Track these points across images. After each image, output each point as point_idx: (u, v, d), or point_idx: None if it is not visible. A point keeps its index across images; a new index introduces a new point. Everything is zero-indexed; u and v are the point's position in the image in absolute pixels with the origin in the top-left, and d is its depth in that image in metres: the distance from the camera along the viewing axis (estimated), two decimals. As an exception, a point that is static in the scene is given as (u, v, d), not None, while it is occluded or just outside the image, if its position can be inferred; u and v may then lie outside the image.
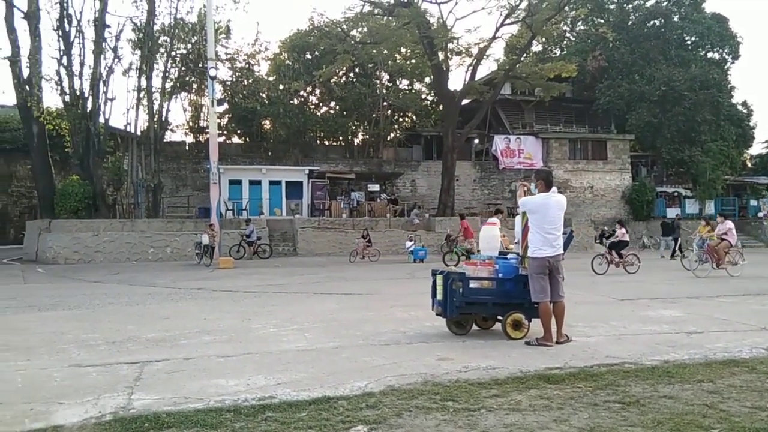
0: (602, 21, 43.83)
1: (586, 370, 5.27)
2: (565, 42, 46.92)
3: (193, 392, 4.64)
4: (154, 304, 10.61)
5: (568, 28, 45.71)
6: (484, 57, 33.18)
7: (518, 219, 6.89)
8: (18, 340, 7.07)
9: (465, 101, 35.92)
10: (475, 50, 32.92)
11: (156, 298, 11.62)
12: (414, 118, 41.10)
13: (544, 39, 40.75)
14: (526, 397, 4.49)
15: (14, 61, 25.95)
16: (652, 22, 42.79)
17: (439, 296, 6.79)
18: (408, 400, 4.40)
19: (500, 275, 6.75)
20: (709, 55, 44.21)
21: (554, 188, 6.55)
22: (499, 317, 6.86)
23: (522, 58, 33.96)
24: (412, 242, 22.93)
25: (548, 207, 6.38)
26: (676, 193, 40.26)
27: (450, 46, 33.09)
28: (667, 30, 42.18)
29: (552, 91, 34.83)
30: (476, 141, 41.22)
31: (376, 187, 33.75)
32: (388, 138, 40.17)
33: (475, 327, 7.15)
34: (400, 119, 41.71)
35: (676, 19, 42.94)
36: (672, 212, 38.34)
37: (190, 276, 16.75)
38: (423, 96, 41.90)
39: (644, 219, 37.23)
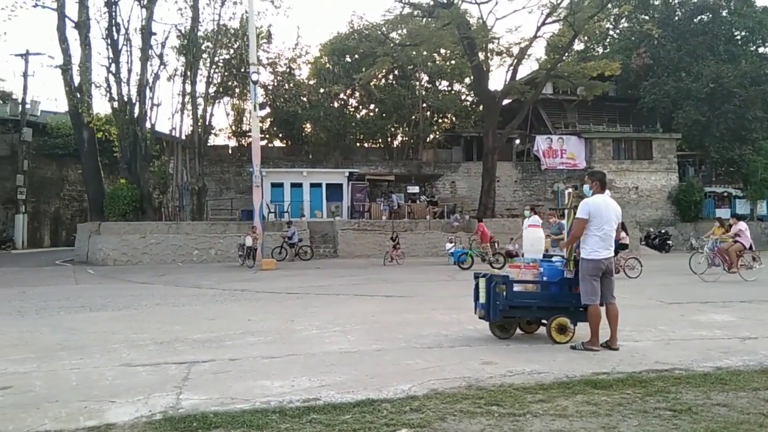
0: (647, 17, 42.81)
1: (635, 376, 5.14)
2: (608, 40, 46.01)
3: (240, 393, 4.71)
4: (199, 305, 10.81)
5: (611, 26, 44.78)
6: (525, 57, 32.86)
7: (563, 222, 6.78)
8: (72, 340, 7.31)
9: (506, 101, 35.57)
10: (515, 50, 32.62)
11: (201, 299, 11.85)
12: (454, 119, 40.90)
13: (586, 37, 40.02)
14: (572, 403, 4.41)
15: (66, 69, 26.87)
16: (699, 18, 41.60)
17: (482, 299, 6.72)
18: (452, 404, 4.37)
19: (545, 278, 6.65)
20: (761, 50, 42.74)
21: (607, 191, 6.45)
22: (544, 321, 6.76)
23: (564, 57, 33.44)
24: (453, 244, 22.73)
25: (607, 209, 6.27)
26: (725, 194, 38.97)
27: (490, 46, 32.86)
28: (715, 25, 40.92)
29: (595, 90, 34.20)
30: (517, 141, 40.77)
31: (415, 189, 33.69)
32: (428, 139, 40.09)
33: (518, 331, 7.06)
34: (440, 120, 41.58)
35: (724, 13, 41.62)
36: (721, 213, 37.15)
37: (234, 277, 17.03)
38: (463, 97, 41.66)
39: (692, 220, 36.17)
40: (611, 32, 45.74)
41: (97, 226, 25.10)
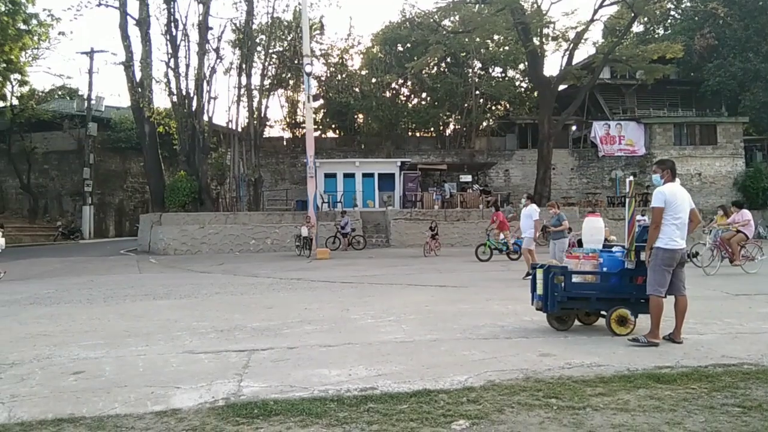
0: (711, -4, 40.89)
1: (700, 371, 4.96)
2: (669, 21, 44.24)
3: (298, 381, 4.80)
4: (257, 294, 11.06)
5: (672, 6, 43.04)
6: (582, 41, 32.00)
7: (625, 210, 6.58)
8: (138, 327, 7.61)
9: (561, 87, 34.74)
10: (571, 34, 31.80)
11: (258, 288, 12.11)
12: (507, 106, 40.26)
13: (646, 18, 38.55)
14: (634, 397, 4.29)
15: (128, 65, 27.83)
16: (769, -6, 39.44)
17: (540, 290, 6.61)
18: (509, 396, 4.33)
19: (605, 269, 6.48)
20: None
21: (677, 179, 6.23)
22: (603, 312, 6.60)
23: (622, 40, 32.36)
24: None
25: (682, 196, 6.06)
26: (796, 179, 37.02)
27: (545, 31, 32.15)
28: (786, 1, 38.75)
29: (655, 74, 33.01)
30: (574, 128, 39.82)
31: (468, 178, 33.41)
32: (481, 127, 39.63)
33: (577, 322, 6.91)
34: (493, 108, 40.98)
35: (796, -11, 39.33)
36: (793, 200, 35.40)
37: (289, 266, 17.32)
38: (517, 83, 40.93)
39: (760, 207, 34.52)
40: (673, 12, 43.94)
41: (159, 217, 25.97)
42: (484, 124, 39.88)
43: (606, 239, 11.42)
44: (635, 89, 38.19)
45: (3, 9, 28.48)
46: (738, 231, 13.48)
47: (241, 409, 4.12)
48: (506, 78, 40.80)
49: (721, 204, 20.00)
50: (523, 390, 4.46)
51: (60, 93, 45.95)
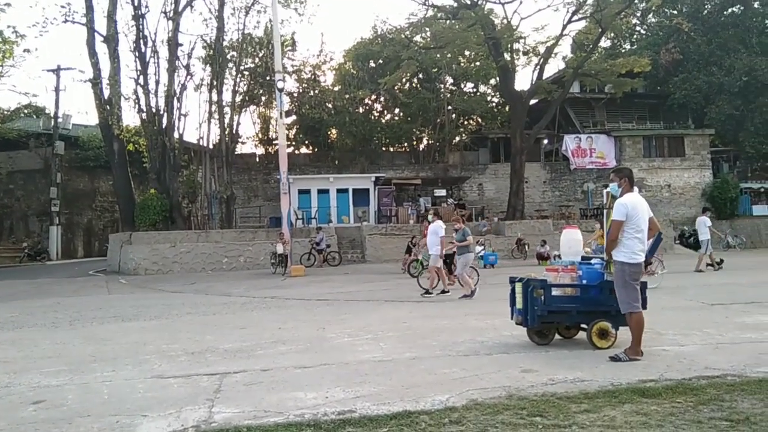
0: (675, 12, 41.97)
1: (685, 383, 4.88)
2: (635, 36, 45.26)
3: (272, 405, 4.58)
4: (230, 314, 10.77)
5: (638, 22, 44.05)
6: (552, 55, 32.42)
7: (598, 225, 6.52)
8: (104, 351, 7.29)
9: (533, 101, 35.13)
10: (542, 49, 32.25)
11: (231, 307, 11.82)
12: (480, 120, 40.58)
13: (613, 34, 39.40)
14: (620, 413, 4.18)
15: (96, 83, 27.34)
16: (730, 10, 40.69)
17: (519, 305, 6.51)
18: (493, 415, 4.18)
19: (584, 281, 6.40)
20: (796, 41, 41.47)
21: (636, 187, 6.17)
22: (584, 326, 6.51)
23: (591, 55, 32.92)
24: (482, 247, 22.49)
25: (642, 207, 5.99)
26: (762, 189, 37.90)
27: (516, 46, 32.56)
28: (746, 17, 39.97)
29: (623, 88, 33.60)
30: (545, 141, 40.24)
31: (442, 192, 33.48)
32: (454, 142, 39.85)
33: (557, 336, 6.82)
34: (466, 122, 41.28)
35: (756, 5, 40.62)
36: (759, 209, 36.16)
37: (263, 285, 17.02)
38: (489, 98, 41.32)
39: (728, 217, 35.22)
40: (639, 28, 44.98)
41: (129, 236, 25.42)
42: (457, 138, 40.09)
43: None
44: (605, 103, 38.83)
45: (-35, 26, 27.88)
46: None
47: (212, 437, 3.90)
48: (478, 93, 41.18)
49: (596, 214, 19.74)
50: (507, 408, 4.32)
51: (26, 111, 44.98)
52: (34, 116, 43.82)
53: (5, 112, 42.58)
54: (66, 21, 27.43)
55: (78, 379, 5.78)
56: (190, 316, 10.75)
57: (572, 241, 6.94)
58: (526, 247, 25.56)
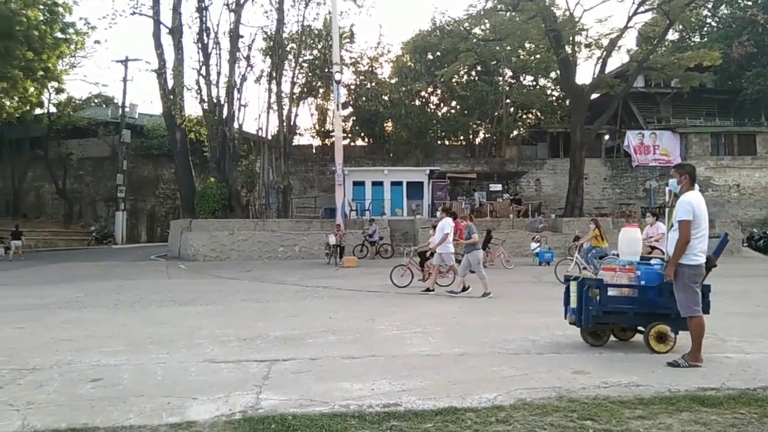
0: (750, 3, 39.88)
1: (749, 394, 4.61)
2: (705, 28, 43.29)
3: (319, 394, 4.60)
4: (282, 302, 10.93)
5: (709, 13, 42.07)
6: (615, 48, 31.37)
7: (660, 223, 6.24)
8: (161, 333, 7.51)
9: (594, 95, 34.16)
10: (605, 41, 31.24)
11: (285, 295, 11.99)
12: (539, 114, 39.82)
13: (681, 26, 37.71)
14: (677, 421, 3.99)
15: (160, 73, 28.21)
16: (811, 1, 38.30)
17: (573, 304, 6.31)
18: (541, 417, 4.07)
19: (642, 282, 6.15)
20: None
21: (696, 185, 5.85)
22: (641, 328, 6.27)
23: (657, 48, 31.68)
24: (538, 244, 22.05)
25: (704, 206, 5.68)
26: (842, 191, 35.75)
27: (578, 38, 31.66)
28: (829, 8, 37.53)
29: (691, 82, 32.18)
30: (607, 137, 39.12)
31: (498, 187, 32.99)
32: (511, 136, 39.25)
33: (612, 338, 6.59)
34: (524, 116, 40.59)
35: (840, -5, 38.13)
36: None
37: (317, 274, 17.20)
38: (548, 92, 40.49)
39: (802, 220, 33.38)
40: (709, 20, 42.97)
41: (189, 223, 26.16)
42: (515, 132, 39.48)
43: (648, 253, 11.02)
44: (670, 98, 37.37)
45: (41, 18, 29.17)
46: (653, 247, 11.16)
47: (258, 423, 3.94)
48: (538, 86, 40.38)
49: (594, 218, 18.64)
50: (556, 410, 4.20)
51: (96, 101, 46.90)
52: (104, 105, 45.69)
53: (77, 101, 44.48)
54: (134, 13, 28.42)
55: (135, 359, 5.97)
56: (245, 302, 10.97)
57: (631, 240, 6.67)
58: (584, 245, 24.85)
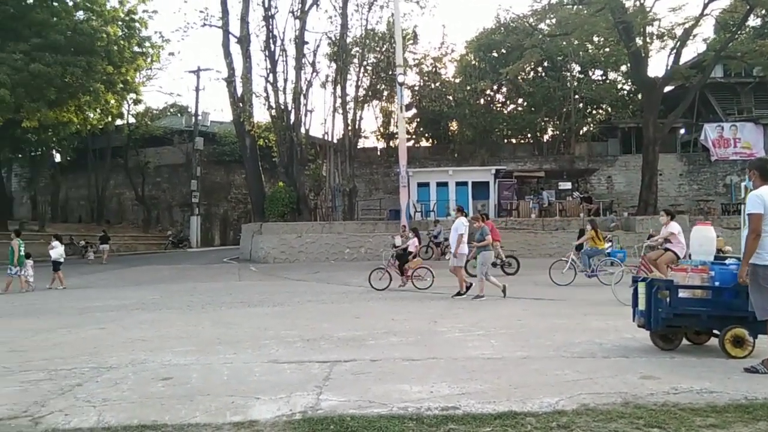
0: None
1: (836, 403, 4.30)
2: (791, 12, 40.56)
3: (378, 396, 4.63)
4: (347, 303, 11.07)
5: (795, -5, 39.41)
6: (690, 38, 29.90)
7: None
8: (229, 334, 7.77)
9: (668, 88, 32.68)
10: (679, 31, 29.85)
11: (349, 296, 12.13)
12: (609, 109, 38.55)
13: (764, 11, 35.57)
14: (753, 431, 3.77)
15: (230, 81, 29.11)
16: None
17: (642, 306, 6.07)
18: (605, 423, 3.93)
19: (717, 283, 5.85)
20: None
21: None
22: (716, 331, 5.95)
23: (736, 35, 29.99)
24: (609, 243, 21.29)
25: None
26: None
27: (649, 29, 30.42)
28: None
29: (775, 70, 30.32)
30: (682, 131, 37.40)
31: (567, 185, 32.11)
32: (581, 132, 38.21)
33: (685, 341, 6.29)
34: (594, 112, 39.40)
35: None
36: None
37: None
38: (619, 86, 39.14)
39: None
40: (796, 3, 40.26)
41: (259, 227, 26.88)
42: (584, 129, 38.40)
43: (720, 250, 10.46)
44: (752, 87, 35.29)
45: (120, 33, 30.76)
46: (666, 249, 10.37)
47: (317, 424, 4.00)
48: (607, 80, 39.12)
49: (591, 219, 17.61)
50: (622, 416, 4.05)
51: (171, 110, 49.00)
52: (178, 114, 47.65)
53: (154, 112, 46.64)
54: (204, 25, 29.46)
55: (203, 359, 6.20)
56: (311, 303, 11.18)
57: (704, 239, 6.35)
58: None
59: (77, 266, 25.21)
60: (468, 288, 11.39)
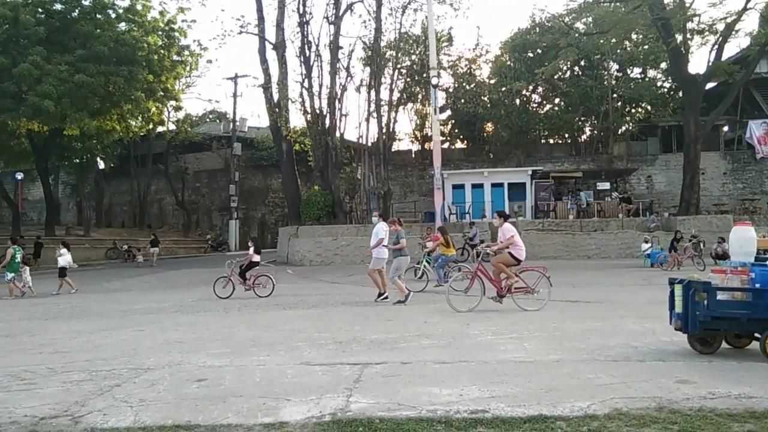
0: None
1: None
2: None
3: (407, 399, 4.63)
4: (380, 306, 11.08)
5: None
6: (733, 33, 29.01)
7: None
8: (263, 336, 7.88)
9: (709, 85, 31.80)
10: (720, 26, 29.02)
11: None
12: (648, 108, 37.73)
13: (812, 3, 34.33)
14: (794, 438, 3.64)
15: (266, 87, 29.51)
16: None
17: (678, 308, 5.93)
18: (638, 428, 3.86)
19: (757, 285, 5.67)
20: None
21: None
22: (757, 335, 5.77)
23: (782, 29, 29.00)
24: (649, 245, 20.88)
25: None
26: None
27: (689, 25, 29.66)
28: None
29: (825, 64, 29.20)
30: (725, 128, 36.34)
31: (606, 186, 31.52)
32: (619, 132, 37.51)
33: (724, 345, 6.11)
34: (633, 110, 38.62)
35: None
36: None
37: (413, 278, 17.22)
38: (658, 83, 38.29)
39: None
40: None
41: (295, 230, 27.17)
42: (623, 128, 37.67)
43: (765, 251, 10.15)
44: (800, 82, 34.09)
45: (160, 43, 31.49)
46: (503, 251, 10.04)
47: (346, 426, 4.03)
48: (646, 78, 38.30)
49: (441, 226, 16.71)
50: (655, 422, 3.96)
51: (210, 117, 49.91)
52: (216, 120, 48.52)
53: (193, 118, 47.56)
54: (241, 32, 29.92)
55: (237, 361, 6.30)
56: (344, 306, 11.25)
57: (743, 240, 6.15)
58: (701, 245, 23.27)
59: (120, 270, 25.94)
60: (408, 296, 11.23)
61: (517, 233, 10.08)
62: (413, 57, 33.39)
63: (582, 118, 37.80)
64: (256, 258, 14.19)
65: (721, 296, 5.72)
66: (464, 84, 37.95)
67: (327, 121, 28.90)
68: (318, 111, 28.94)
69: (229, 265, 14.10)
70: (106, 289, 17.35)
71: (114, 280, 20.64)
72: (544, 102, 39.99)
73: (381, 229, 11.98)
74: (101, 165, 44.97)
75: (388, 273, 11.81)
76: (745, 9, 27.11)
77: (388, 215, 29.89)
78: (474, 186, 30.67)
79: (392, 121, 31.26)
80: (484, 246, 11.55)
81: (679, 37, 28.30)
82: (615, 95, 36.09)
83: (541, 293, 9.87)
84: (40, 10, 27.50)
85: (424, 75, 30.52)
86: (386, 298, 11.59)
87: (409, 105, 37.29)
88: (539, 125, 38.03)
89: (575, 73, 37.98)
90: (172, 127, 43.01)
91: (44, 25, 26.54)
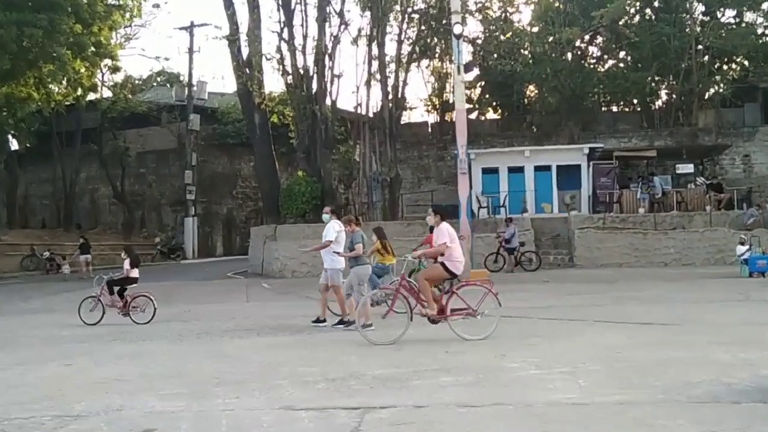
0: None
1: None
2: None
3: (422, 456, 4.67)
4: (386, 327, 11.08)
5: None
6: None
7: None
8: (230, 372, 7.94)
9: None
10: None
11: (389, 320, 12.11)
12: (746, 63, 37.66)
13: None
14: None
15: (233, 40, 29.61)
16: None
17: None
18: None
19: None
20: None
21: None
22: None
23: None
24: (747, 247, 20.85)
25: None
26: None
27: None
28: None
29: None
30: None
31: (689, 168, 31.49)
32: (706, 96, 37.44)
33: None
34: (725, 67, 38.57)
35: None
36: None
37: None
38: (759, 30, 38.14)
39: None
40: None
41: (273, 230, 27.27)
42: (711, 91, 37.63)
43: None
44: None
45: (90, -19, 31.59)
46: (436, 261, 10.12)
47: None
48: (743, 24, 38.20)
49: (378, 227, 15.66)
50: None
51: (158, 80, 50.05)
52: (167, 85, 48.59)
53: (137, 82, 47.61)
54: (199, -33, 29.97)
55: (196, 405, 6.35)
56: (338, 331, 11.28)
57: None
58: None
59: (41, 284, 26.09)
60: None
61: (456, 239, 10.00)
62: (429, -2, 33.41)
63: (656, 78, 37.78)
64: (135, 273, 13.99)
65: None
66: (498, 33, 37.91)
67: (314, 85, 28.93)
68: (302, 71, 28.97)
69: (98, 282, 13.99)
70: (21, 310, 17.46)
71: (32, 298, 20.77)
72: (605, 57, 39.99)
73: (332, 229, 11.93)
74: (14, 145, 45.10)
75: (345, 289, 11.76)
76: None
77: (396, 208, 30.00)
78: (511, 170, 30.70)
79: (401, 84, 31.31)
80: (408, 255, 11.43)
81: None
82: (700, 47, 36.03)
83: (486, 316, 9.77)
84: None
85: (444, 21, 30.47)
86: (324, 322, 11.75)
87: (424, 62, 37.29)
88: (598, 88, 38.03)
89: (647, 17, 37.95)
90: (107, 93, 43.15)
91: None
